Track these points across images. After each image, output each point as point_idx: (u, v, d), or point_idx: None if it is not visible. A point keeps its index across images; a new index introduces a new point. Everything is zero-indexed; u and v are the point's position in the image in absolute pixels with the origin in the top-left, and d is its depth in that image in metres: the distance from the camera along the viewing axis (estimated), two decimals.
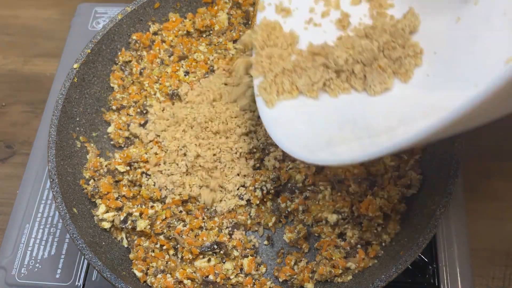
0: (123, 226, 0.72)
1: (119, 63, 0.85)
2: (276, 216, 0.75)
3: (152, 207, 0.75)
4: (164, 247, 0.72)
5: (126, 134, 0.82)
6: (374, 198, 0.71)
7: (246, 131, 0.77)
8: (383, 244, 0.72)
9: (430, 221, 0.65)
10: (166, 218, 0.74)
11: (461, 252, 0.77)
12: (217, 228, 0.74)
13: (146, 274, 0.70)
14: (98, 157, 0.78)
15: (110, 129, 0.83)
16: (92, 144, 0.80)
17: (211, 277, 0.69)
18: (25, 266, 0.79)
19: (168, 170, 0.77)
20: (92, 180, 0.76)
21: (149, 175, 0.78)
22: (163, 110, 0.82)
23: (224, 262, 0.72)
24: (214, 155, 0.76)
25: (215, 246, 0.71)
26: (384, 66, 0.66)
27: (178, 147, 0.77)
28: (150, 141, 0.81)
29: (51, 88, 0.97)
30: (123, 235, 0.74)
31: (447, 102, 0.55)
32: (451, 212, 0.80)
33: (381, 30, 0.69)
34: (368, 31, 0.70)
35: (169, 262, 0.71)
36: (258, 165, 0.77)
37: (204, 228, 0.74)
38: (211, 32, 0.88)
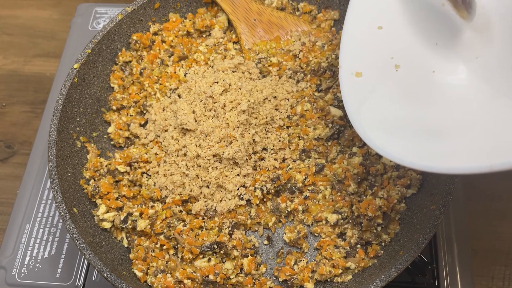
0: (123, 226, 0.72)
1: (119, 63, 0.85)
2: (276, 216, 0.75)
3: (152, 207, 0.75)
4: (164, 247, 0.72)
5: (126, 134, 0.82)
6: (374, 198, 0.71)
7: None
8: (383, 244, 0.72)
9: (430, 221, 0.65)
10: (166, 218, 0.74)
11: (461, 252, 0.77)
12: (217, 228, 0.74)
13: (146, 274, 0.70)
14: (98, 157, 0.78)
15: (110, 129, 0.83)
16: (92, 144, 0.80)
17: (211, 276, 0.69)
18: (25, 266, 0.79)
19: (168, 170, 0.77)
20: (92, 180, 0.76)
21: (149, 175, 0.78)
22: (163, 110, 0.82)
23: (224, 262, 0.72)
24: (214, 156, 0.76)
25: (215, 246, 0.71)
26: None
27: (178, 147, 0.77)
28: (150, 141, 0.81)
29: (51, 88, 0.97)
30: (123, 235, 0.74)
31: None
32: (451, 212, 0.81)
33: None
34: None
35: (169, 262, 0.71)
36: (258, 165, 0.78)
37: (204, 228, 0.74)
38: (211, 32, 0.89)
